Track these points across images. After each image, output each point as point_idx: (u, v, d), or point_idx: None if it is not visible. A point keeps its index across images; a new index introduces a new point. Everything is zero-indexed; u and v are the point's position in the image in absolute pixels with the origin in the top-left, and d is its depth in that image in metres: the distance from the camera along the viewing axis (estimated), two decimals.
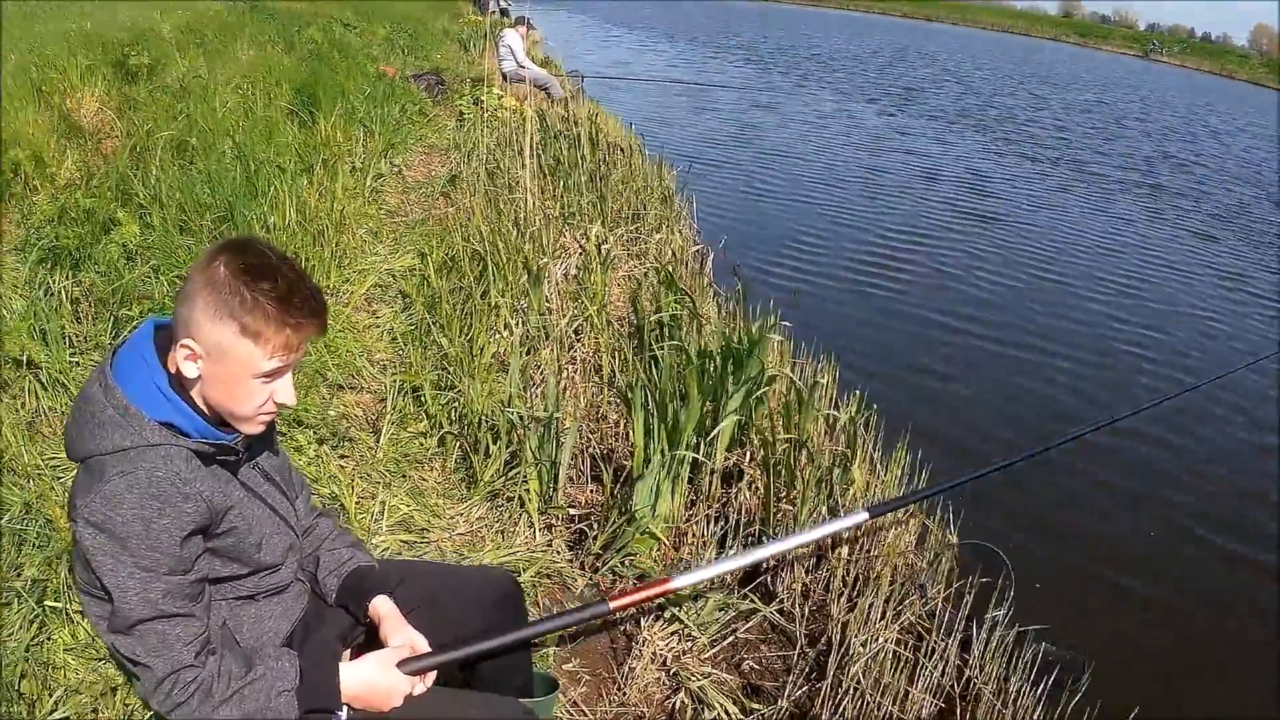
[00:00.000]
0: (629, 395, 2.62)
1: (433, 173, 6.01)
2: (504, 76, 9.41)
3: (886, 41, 33.53)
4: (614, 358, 3.42)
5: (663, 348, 3.06)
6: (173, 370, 1.09)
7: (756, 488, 2.67)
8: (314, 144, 4.82)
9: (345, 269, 3.87)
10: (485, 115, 7.84)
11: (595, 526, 2.46)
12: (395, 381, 3.08)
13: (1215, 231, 8.64)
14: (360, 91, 6.41)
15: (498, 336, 3.43)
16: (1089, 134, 14.59)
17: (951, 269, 6.29)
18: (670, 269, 4.04)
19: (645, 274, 4.10)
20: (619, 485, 2.50)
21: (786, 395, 3.00)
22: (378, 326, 3.62)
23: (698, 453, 2.54)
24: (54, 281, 2.97)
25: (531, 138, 4.60)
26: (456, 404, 2.93)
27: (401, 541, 2.37)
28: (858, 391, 3.05)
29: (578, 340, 3.54)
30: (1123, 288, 6.35)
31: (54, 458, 2.35)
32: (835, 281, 5.73)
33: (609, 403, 3.19)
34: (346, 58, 8.36)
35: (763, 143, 10.52)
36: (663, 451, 2.46)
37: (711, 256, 4.86)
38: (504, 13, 22.45)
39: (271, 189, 3.73)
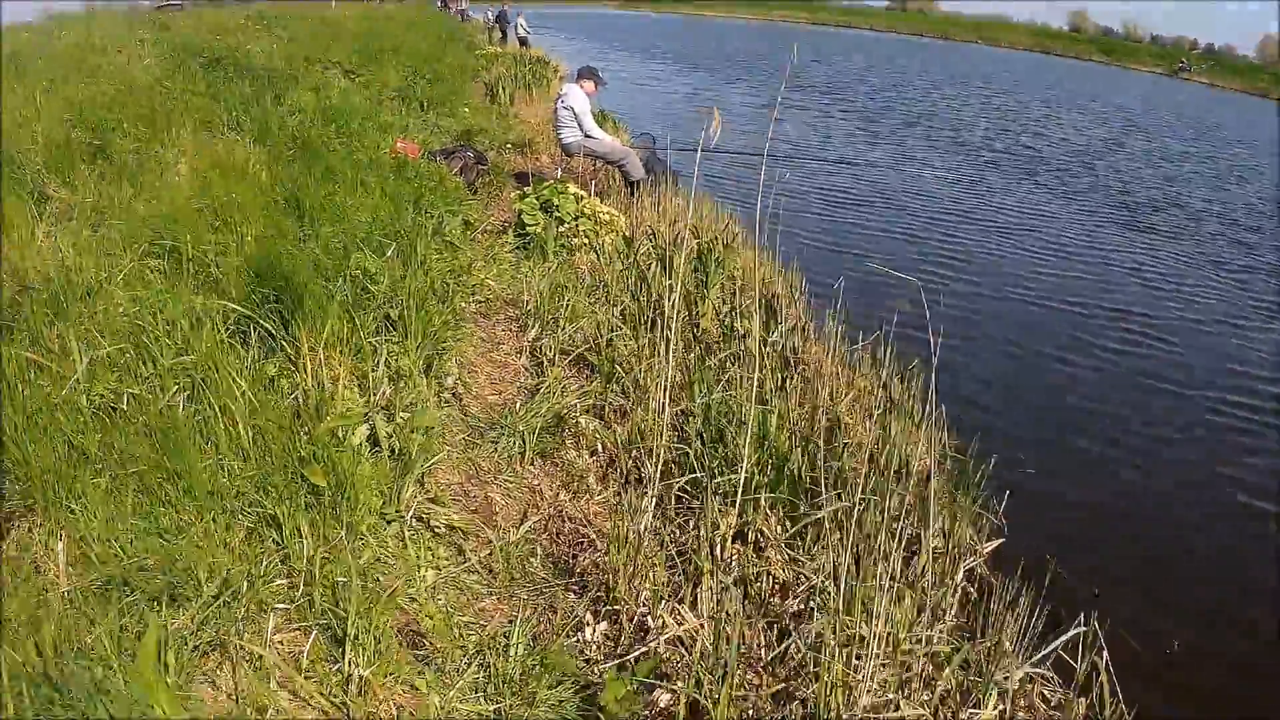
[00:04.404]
0: None
1: (503, 375, 3.25)
2: (564, 150, 6.69)
3: (929, 68, 30.08)
4: None
5: None
6: None
7: None
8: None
9: None
10: (565, 235, 5.10)
11: None
12: None
13: None
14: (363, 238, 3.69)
15: None
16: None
17: None
18: None
19: None
20: None
21: None
22: None
23: None
24: None
25: None
26: None
27: None
28: None
29: None
30: None
31: None
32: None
33: None
34: (347, 140, 5.67)
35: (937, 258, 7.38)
36: None
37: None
38: (500, 17, 19.22)
39: None
